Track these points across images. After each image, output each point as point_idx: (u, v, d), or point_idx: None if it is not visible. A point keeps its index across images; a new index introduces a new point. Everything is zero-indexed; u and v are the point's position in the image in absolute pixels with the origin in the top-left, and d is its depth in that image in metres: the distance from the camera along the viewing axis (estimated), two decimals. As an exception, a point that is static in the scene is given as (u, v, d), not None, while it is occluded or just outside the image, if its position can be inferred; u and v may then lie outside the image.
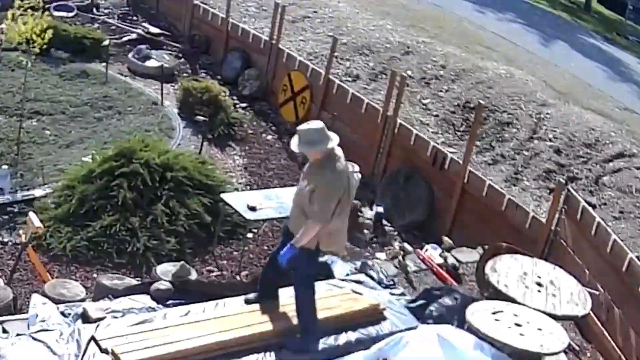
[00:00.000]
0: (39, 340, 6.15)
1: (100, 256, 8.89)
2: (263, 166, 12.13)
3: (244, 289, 7.21)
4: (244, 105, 14.00)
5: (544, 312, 6.47)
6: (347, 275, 8.01)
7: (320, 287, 7.10)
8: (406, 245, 9.93)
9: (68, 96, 12.85)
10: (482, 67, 14.00)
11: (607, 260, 8.37)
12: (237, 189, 10.91)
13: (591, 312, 7.30)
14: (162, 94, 13.46)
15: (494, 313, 6.22)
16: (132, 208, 9.34)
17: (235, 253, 9.58)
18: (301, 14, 16.08)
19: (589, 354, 8.25)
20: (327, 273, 7.72)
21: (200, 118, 12.18)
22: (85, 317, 6.62)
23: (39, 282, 8.17)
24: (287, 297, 6.84)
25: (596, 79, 17.29)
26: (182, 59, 15.55)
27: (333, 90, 12.92)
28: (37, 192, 9.92)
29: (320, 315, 6.66)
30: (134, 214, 9.30)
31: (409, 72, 13.37)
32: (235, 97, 14.06)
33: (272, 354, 6.43)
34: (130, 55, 14.80)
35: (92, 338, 6.17)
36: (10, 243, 8.85)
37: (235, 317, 6.74)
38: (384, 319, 7.22)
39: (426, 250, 9.62)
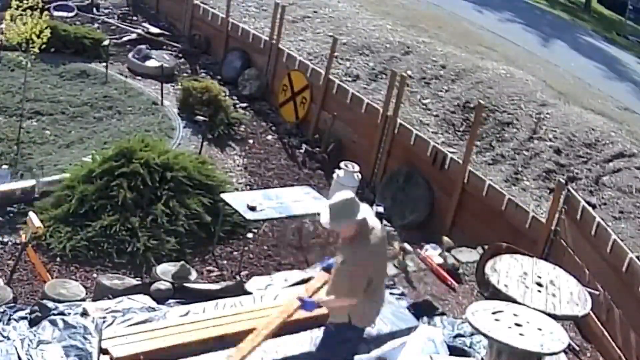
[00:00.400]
0: None
1: (100, 256, 8.89)
2: (263, 166, 12.13)
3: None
4: (244, 105, 14.00)
5: (544, 312, 6.46)
6: None
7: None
8: (406, 245, 9.93)
9: (68, 96, 12.86)
10: (482, 67, 13.99)
11: (607, 260, 8.37)
12: (237, 189, 10.92)
13: (591, 312, 7.30)
14: (162, 94, 13.47)
15: (494, 313, 6.21)
16: (132, 208, 9.34)
17: (235, 253, 9.58)
18: (301, 14, 16.08)
19: (589, 354, 8.26)
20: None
21: (200, 118, 12.18)
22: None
23: (39, 282, 8.17)
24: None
25: (596, 79, 17.30)
26: (182, 59, 15.55)
27: (333, 90, 12.92)
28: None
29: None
30: (134, 214, 9.31)
31: (409, 72, 13.36)
32: (235, 97, 14.06)
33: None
34: (130, 55, 14.81)
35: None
36: (10, 243, 8.85)
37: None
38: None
39: (426, 250, 9.63)
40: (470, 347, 7.09)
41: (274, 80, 14.29)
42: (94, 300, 7.62)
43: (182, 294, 7.36)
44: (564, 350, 6.28)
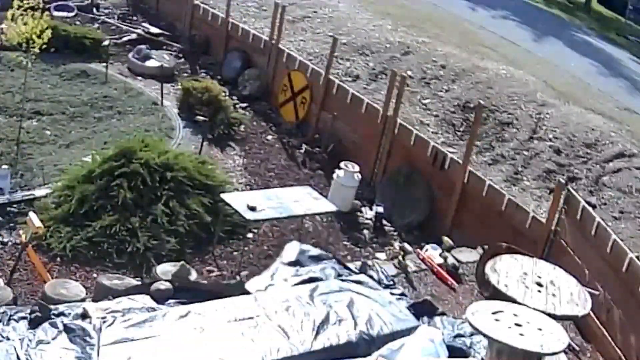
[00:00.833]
0: None
1: (100, 256, 8.89)
2: (263, 166, 12.13)
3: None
4: (244, 105, 14.00)
5: (544, 312, 6.46)
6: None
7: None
8: (406, 245, 9.95)
9: (68, 96, 12.86)
10: (482, 67, 13.99)
11: (607, 260, 8.37)
12: (237, 189, 10.92)
13: (591, 312, 7.29)
14: (162, 94, 13.47)
15: (494, 313, 6.21)
16: (132, 208, 9.34)
17: (235, 253, 9.58)
18: (301, 14, 16.08)
19: (589, 354, 8.26)
20: None
21: (200, 118, 12.18)
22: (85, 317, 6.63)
23: (39, 282, 8.17)
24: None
25: (596, 79, 17.29)
26: (182, 59, 15.55)
27: (333, 90, 12.92)
28: (37, 192, 9.92)
29: None
30: (134, 214, 9.31)
31: (409, 72, 13.36)
32: (235, 97, 14.06)
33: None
34: (130, 55, 14.81)
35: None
36: (10, 243, 8.85)
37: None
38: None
39: (426, 250, 9.63)
40: (470, 347, 7.09)
41: (274, 80, 14.28)
42: (94, 300, 7.62)
43: (182, 294, 7.35)
44: (564, 350, 6.28)
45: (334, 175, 10.99)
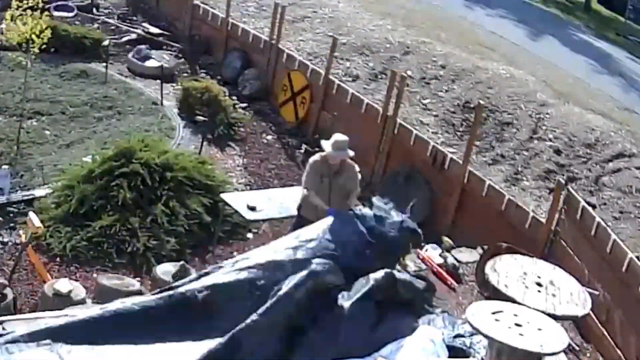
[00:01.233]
0: None
1: (100, 256, 8.89)
2: (263, 166, 12.12)
3: None
4: (244, 105, 13.99)
5: (544, 312, 6.46)
6: None
7: None
8: (406, 245, 9.92)
9: (68, 96, 12.86)
10: (482, 67, 13.99)
11: (607, 260, 8.37)
12: (237, 189, 10.92)
13: (591, 312, 7.29)
14: (162, 94, 13.46)
15: (494, 313, 6.21)
16: (132, 208, 9.34)
17: (235, 253, 9.57)
18: (301, 14, 16.07)
19: (589, 354, 8.26)
20: None
21: (200, 118, 12.18)
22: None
23: (39, 282, 8.17)
24: None
25: (595, 79, 17.31)
26: (182, 59, 15.55)
27: (333, 90, 12.91)
28: (37, 192, 9.92)
29: None
30: (134, 214, 9.30)
31: (409, 72, 13.36)
32: (235, 97, 14.05)
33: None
34: (130, 55, 14.80)
35: None
36: (10, 243, 8.85)
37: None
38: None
39: (426, 250, 9.63)
40: (470, 347, 7.08)
41: (274, 80, 14.28)
42: (94, 300, 7.64)
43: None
44: (564, 350, 6.27)
45: (334, 175, 10.96)
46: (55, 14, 15.45)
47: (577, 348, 8.17)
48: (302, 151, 12.70)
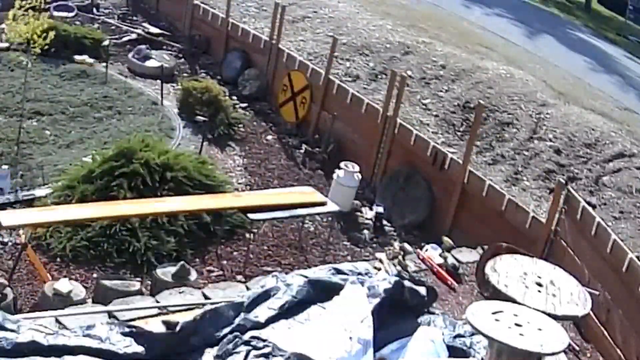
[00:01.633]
0: None
1: (100, 256, 8.89)
2: (263, 166, 12.12)
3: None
4: (244, 105, 13.99)
5: (544, 312, 6.46)
6: None
7: None
8: (406, 245, 9.95)
9: (68, 96, 12.86)
10: (482, 67, 13.99)
11: (607, 260, 8.37)
12: (237, 189, 10.93)
13: (591, 312, 7.29)
14: (162, 94, 13.47)
15: (494, 313, 6.21)
16: (132, 208, 9.33)
17: (235, 253, 9.58)
18: (301, 14, 16.08)
19: (589, 354, 8.26)
20: None
21: (200, 118, 12.18)
22: None
23: (39, 282, 8.17)
24: None
25: (596, 79, 17.30)
26: (182, 59, 15.55)
27: (333, 90, 12.92)
28: (37, 192, 9.92)
29: None
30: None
31: (409, 72, 13.36)
32: (235, 97, 14.05)
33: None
34: (130, 55, 14.81)
35: None
36: (10, 243, 8.85)
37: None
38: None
39: (426, 250, 9.63)
40: (470, 347, 7.09)
41: (274, 80, 14.29)
42: (94, 300, 7.64)
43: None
44: (564, 350, 6.27)
45: (334, 175, 10.99)
46: (55, 14, 15.44)
47: (577, 348, 8.17)
48: (302, 151, 12.70)
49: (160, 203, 9.20)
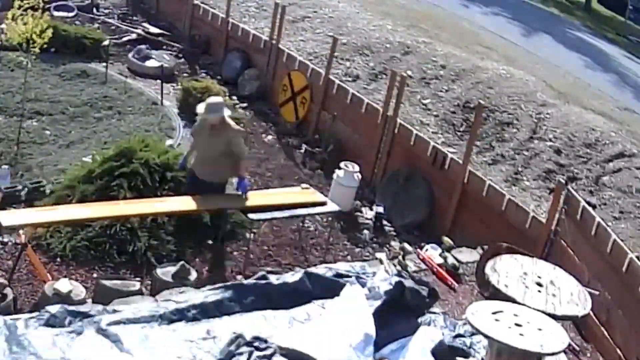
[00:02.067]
0: None
1: (100, 256, 8.88)
2: (263, 166, 12.12)
3: None
4: (244, 105, 13.99)
5: (544, 312, 6.46)
6: None
7: None
8: (406, 245, 9.94)
9: (68, 96, 12.86)
10: (482, 67, 14.00)
11: (607, 260, 8.37)
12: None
13: (591, 312, 7.30)
14: (162, 94, 13.46)
15: (494, 313, 6.21)
16: (133, 208, 9.32)
17: (235, 253, 9.58)
18: (301, 14, 16.08)
19: (589, 354, 8.26)
20: None
21: (201, 118, 12.15)
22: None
23: (39, 282, 8.17)
24: None
25: (595, 79, 17.32)
26: (182, 59, 15.55)
27: (333, 90, 12.92)
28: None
29: None
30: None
31: (409, 72, 13.36)
32: (235, 97, 14.05)
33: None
34: (130, 55, 14.81)
35: None
36: (10, 243, 8.84)
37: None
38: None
39: (426, 250, 9.63)
40: (470, 347, 7.09)
41: (274, 80, 14.29)
42: (94, 300, 7.63)
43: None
44: (564, 350, 6.28)
45: (334, 175, 10.98)
46: (55, 14, 15.45)
47: (577, 348, 8.17)
48: (302, 151, 12.70)
49: (160, 203, 9.19)
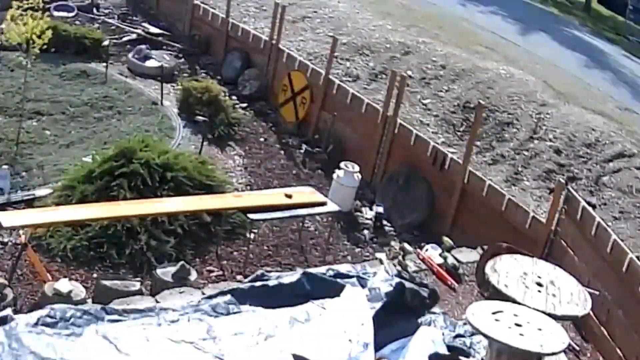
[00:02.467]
0: None
1: (100, 256, 8.88)
2: (263, 166, 12.12)
3: None
4: (244, 105, 13.99)
5: (544, 312, 6.46)
6: None
7: None
8: (406, 245, 9.94)
9: (68, 96, 12.86)
10: (482, 67, 14.00)
11: (607, 260, 8.37)
12: (237, 189, 10.92)
13: (591, 312, 7.29)
14: (162, 94, 13.46)
15: (494, 313, 6.21)
16: (133, 208, 9.33)
17: (235, 253, 9.58)
18: (301, 14, 16.08)
19: (589, 354, 8.26)
20: None
21: (200, 118, 12.18)
22: None
23: (39, 282, 8.17)
24: None
25: (595, 79, 17.31)
26: (182, 59, 15.55)
27: (333, 90, 12.92)
28: (37, 192, 9.92)
29: None
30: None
31: (409, 72, 13.36)
32: (235, 97, 14.05)
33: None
34: (130, 55, 14.80)
35: None
36: (10, 243, 8.85)
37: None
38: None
39: (426, 250, 9.63)
40: (470, 347, 7.10)
41: (274, 80, 14.28)
42: (94, 300, 7.63)
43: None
44: (564, 350, 6.28)
45: (334, 175, 10.99)
46: (55, 14, 15.45)
47: (577, 348, 8.17)
48: (302, 151, 12.70)
49: (160, 203, 9.19)
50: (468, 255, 9.65)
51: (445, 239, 10.04)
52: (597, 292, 8.00)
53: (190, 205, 9.26)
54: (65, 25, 14.74)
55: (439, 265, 9.28)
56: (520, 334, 5.98)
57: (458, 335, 7.21)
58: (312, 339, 6.60)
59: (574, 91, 14.97)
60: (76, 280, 8.24)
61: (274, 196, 9.83)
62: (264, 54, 14.46)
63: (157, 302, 7.27)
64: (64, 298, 7.41)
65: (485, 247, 9.25)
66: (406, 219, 11.04)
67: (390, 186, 11.53)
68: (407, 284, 7.34)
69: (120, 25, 16.36)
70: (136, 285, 8.03)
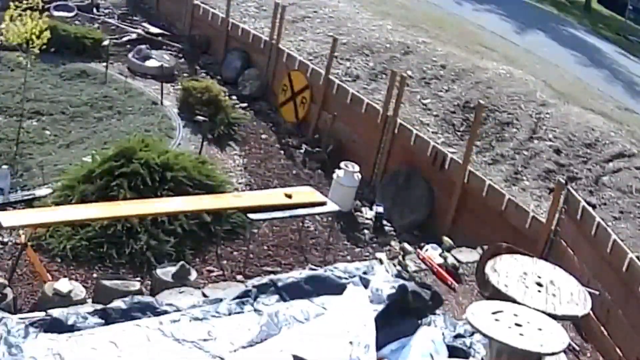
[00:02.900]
0: None
1: (100, 256, 8.89)
2: (263, 166, 12.13)
3: None
4: (244, 105, 13.99)
5: (544, 312, 6.46)
6: None
7: None
8: (406, 245, 9.94)
9: (68, 96, 12.86)
10: (482, 67, 13.99)
11: (607, 260, 8.37)
12: (237, 189, 10.93)
13: (591, 312, 7.29)
14: (162, 94, 13.46)
15: (494, 313, 6.21)
16: (132, 208, 9.33)
17: (235, 253, 9.58)
18: (301, 14, 16.08)
19: (589, 354, 8.26)
20: None
21: (200, 118, 12.18)
22: None
23: (39, 282, 8.18)
24: None
25: (595, 79, 17.31)
26: (182, 59, 15.55)
27: (333, 90, 12.92)
28: (37, 192, 9.93)
29: None
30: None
31: (409, 72, 13.36)
32: (235, 97, 14.05)
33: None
34: (130, 55, 14.81)
35: None
36: (10, 243, 8.85)
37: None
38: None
39: (426, 250, 9.63)
40: (470, 347, 7.09)
41: (274, 80, 14.29)
42: (94, 300, 7.63)
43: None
44: (564, 350, 6.28)
45: (334, 175, 10.99)
46: (55, 14, 15.46)
47: (577, 348, 8.17)
48: (302, 151, 12.70)
49: (160, 203, 9.19)
50: (468, 255, 9.65)
51: (445, 238, 10.04)
52: (597, 292, 8.00)
53: (190, 205, 9.25)
54: (65, 25, 14.75)
55: (439, 265, 9.28)
56: (520, 334, 5.98)
57: (458, 335, 7.21)
58: (312, 339, 6.60)
59: (573, 91, 14.98)
60: (76, 280, 8.25)
61: (274, 196, 9.82)
62: (264, 54, 14.46)
63: (158, 302, 7.26)
64: (64, 298, 7.42)
65: (485, 247, 9.25)
66: (406, 219, 11.04)
67: (390, 186, 11.53)
68: (410, 287, 7.31)
69: (120, 25, 16.37)
70: (136, 285, 8.03)
